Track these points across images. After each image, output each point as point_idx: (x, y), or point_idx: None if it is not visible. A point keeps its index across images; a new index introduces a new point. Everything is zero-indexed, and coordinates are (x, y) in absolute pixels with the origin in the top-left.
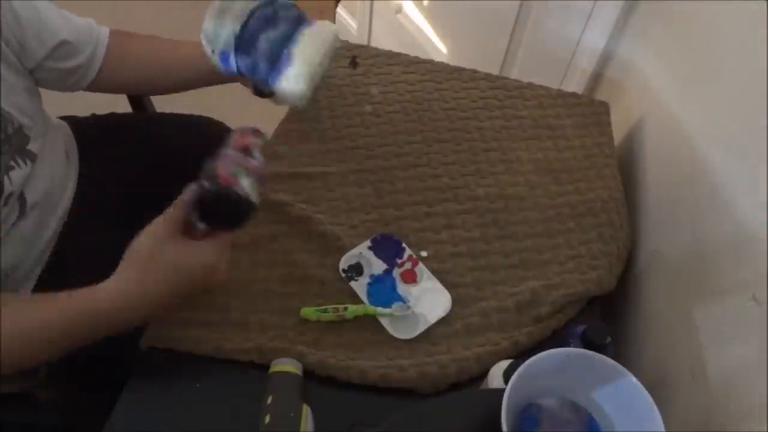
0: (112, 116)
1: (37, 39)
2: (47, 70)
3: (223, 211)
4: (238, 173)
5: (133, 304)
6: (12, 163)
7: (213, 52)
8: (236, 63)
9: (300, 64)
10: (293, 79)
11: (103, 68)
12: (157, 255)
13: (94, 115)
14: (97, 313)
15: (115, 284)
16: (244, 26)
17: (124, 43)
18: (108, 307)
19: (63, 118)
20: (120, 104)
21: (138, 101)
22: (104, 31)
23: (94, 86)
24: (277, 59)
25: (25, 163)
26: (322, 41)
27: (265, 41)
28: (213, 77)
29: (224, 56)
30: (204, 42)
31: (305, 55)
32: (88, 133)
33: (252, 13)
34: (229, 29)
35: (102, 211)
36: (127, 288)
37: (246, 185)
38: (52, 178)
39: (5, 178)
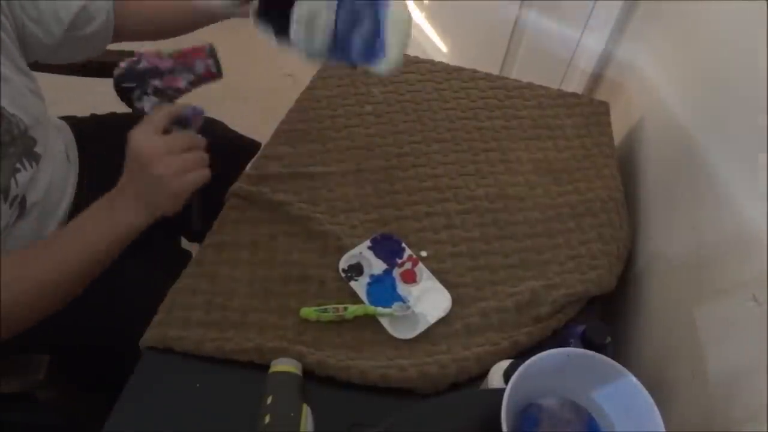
0: (112, 116)
1: (55, 16)
2: (70, 42)
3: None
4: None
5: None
6: (18, 165)
7: (305, 56)
8: (332, 60)
9: (395, 50)
10: (393, 62)
11: (116, 23)
12: (128, 151)
13: (93, 115)
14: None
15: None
16: (334, 31)
17: (127, 8)
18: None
19: (63, 118)
20: (120, 104)
21: None
22: None
23: (113, 39)
24: (372, 49)
25: (31, 166)
26: (404, 21)
27: (358, 39)
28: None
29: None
30: (294, 49)
31: (396, 39)
32: (88, 133)
33: (337, 15)
34: (320, 39)
35: None
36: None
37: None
38: (52, 178)
39: (12, 181)
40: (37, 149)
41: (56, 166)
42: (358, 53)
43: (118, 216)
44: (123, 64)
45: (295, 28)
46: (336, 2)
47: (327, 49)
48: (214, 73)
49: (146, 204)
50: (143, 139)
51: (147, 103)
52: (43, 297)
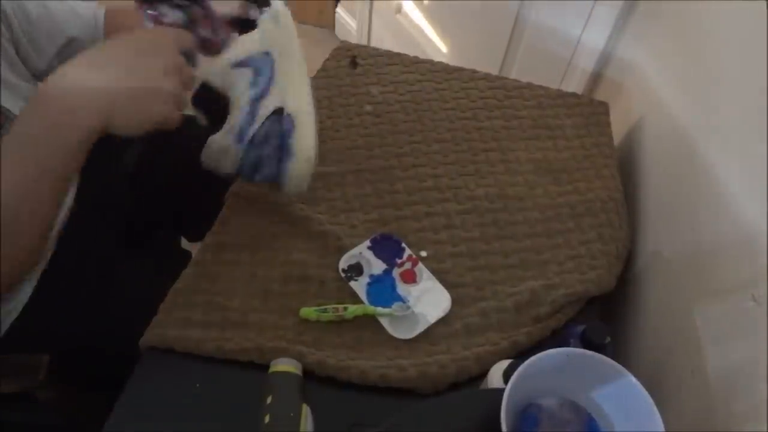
0: None
1: (48, 37)
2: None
3: None
4: None
5: (85, 67)
6: None
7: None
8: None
9: (294, 186)
10: (297, 185)
11: None
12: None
13: None
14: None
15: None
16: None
17: (117, 20)
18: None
19: None
20: None
21: None
22: (101, 16)
23: None
24: (276, 173)
25: None
26: (308, 164)
27: (260, 176)
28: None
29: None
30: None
31: (297, 181)
32: None
33: (244, 157)
34: (227, 169)
35: (103, 208)
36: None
37: None
38: None
39: None
40: None
41: None
42: (262, 179)
43: (67, 117)
44: None
45: (205, 151)
46: (244, 150)
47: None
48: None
49: (110, 104)
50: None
51: (170, 13)
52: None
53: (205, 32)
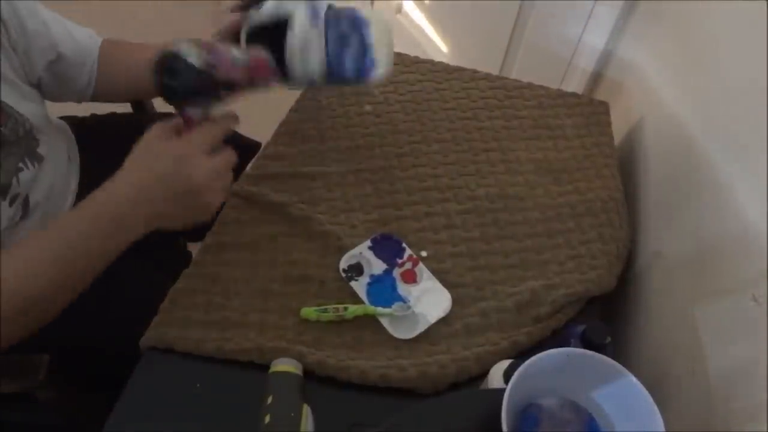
0: (112, 116)
1: (40, 51)
2: (46, 84)
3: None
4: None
5: (121, 192)
6: (21, 164)
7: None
8: (326, 83)
9: (384, 62)
10: (385, 73)
11: (98, 81)
12: (140, 148)
13: (94, 115)
14: (91, 214)
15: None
16: (326, 57)
17: (113, 53)
18: (98, 202)
19: (63, 118)
20: (121, 107)
21: (139, 103)
22: (97, 44)
23: (97, 97)
24: (363, 67)
25: (33, 166)
26: (386, 32)
27: (350, 60)
28: None
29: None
30: (286, 80)
31: (384, 53)
32: (88, 133)
33: (327, 40)
34: (315, 65)
35: None
36: (114, 181)
37: (189, 52)
38: (54, 179)
39: (14, 179)
40: (40, 150)
41: (58, 167)
42: (351, 72)
43: (118, 238)
44: (192, 61)
45: (290, 58)
46: (324, 29)
47: (321, 74)
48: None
49: (158, 222)
50: (164, 144)
51: (196, 111)
52: (36, 304)
53: (234, 74)
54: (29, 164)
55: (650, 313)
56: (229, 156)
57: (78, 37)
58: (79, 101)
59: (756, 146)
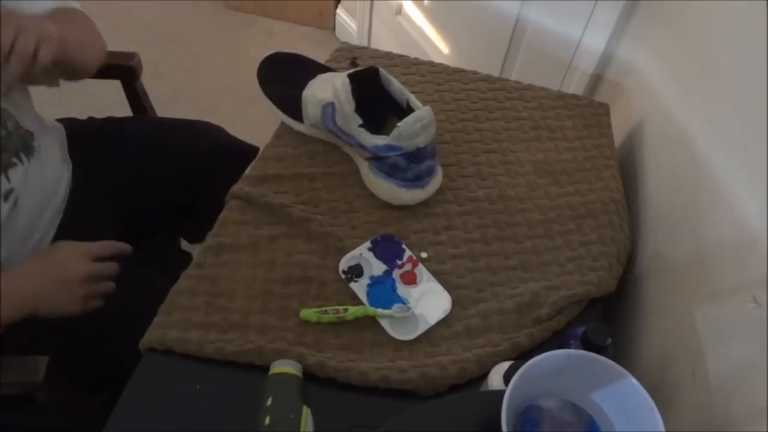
0: (109, 120)
1: None
2: None
3: None
4: None
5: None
6: (15, 159)
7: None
8: None
9: None
10: None
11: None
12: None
13: (91, 118)
14: None
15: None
16: None
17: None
18: None
19: (60, 120)
20: (121, 108)
21: (138, 105)
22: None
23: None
24: None
25: (28, 160)
26: None
27: None
28: None
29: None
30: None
31: None
32: (84, 135)
33: None
34: None
35: (95, 212)
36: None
37: None
38: (44, 176)
39: (2, 176)
40: (35, 143)
41: (49, 165)
42: None
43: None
44: None
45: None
46: None
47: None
48: None
49: (38, 297)
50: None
51: None
52: None
53: None
54: (23, 158)
55: (650, 315)
56: (104, 266)
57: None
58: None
59: (756, 147)
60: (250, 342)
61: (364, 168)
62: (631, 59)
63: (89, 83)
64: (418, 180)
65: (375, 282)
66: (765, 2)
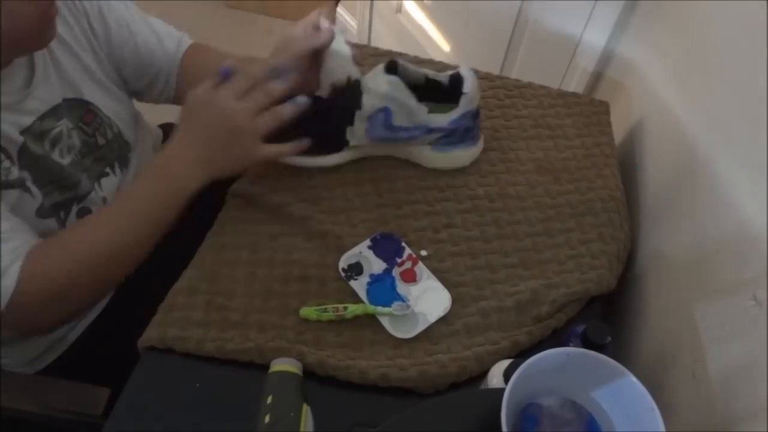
0: None
1: (135, 76)
2: (128, 81)
3: None
4: None
5: (174, 148)
6: (108, 169)
7: None
8: None
9: None
10: None
11: (179, 84)
12: (184, 108)
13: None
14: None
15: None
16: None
17: (197, 59)
18: (157, 163)
19: (161, 126)
20: None
21: None
22: (184, 48)
23: (178, 100)
24: None
25: (121, 171)
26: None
27: None
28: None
29: None
30: None
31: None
32: None
33: None
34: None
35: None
36: (170, 142)
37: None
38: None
39: (95, 185)
40: (131, 155)
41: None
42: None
43: (175, 185)
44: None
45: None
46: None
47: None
48: None
49: (208, 165)
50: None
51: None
52: (102, 265)
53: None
54: (117, 170)
55: (650, 313)
56: (260, 94)
57: (166, 43)
58: (157, 102)
59: (756, 146)
60: (250, 340)
61: (426, 152)
62: (632, 57)
63: None
64: (478, 130)
65: (375, 280)
66: (765, 2)
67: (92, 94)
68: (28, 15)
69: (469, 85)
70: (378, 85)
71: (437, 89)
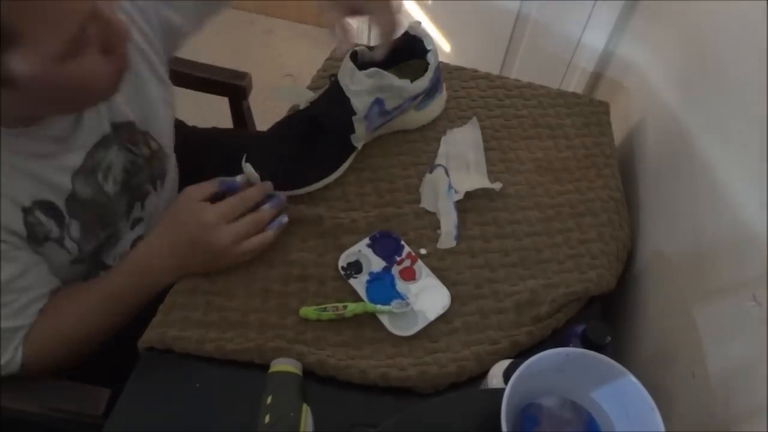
0: (213, 131)
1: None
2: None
3: None
4: None
5: (155, 251)
6: (149, 187)
7: None
8: None
9: None
10: None
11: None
12: (176, 210)
13: (194, 128)
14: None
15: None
16: None
17: None
18: (136, 261)
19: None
20: (222, 120)
21: (242, 122)
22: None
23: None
24: None
25: (162, 185)
26: None
27: None
28: None
29: None
30: None
31: None
32: (188, 145)
33: None
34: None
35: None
36: (150, 240)
37: None
38: (173, 187)
39: (138, 205)
40: (167, 165)
41: (173, 182)
42: None
43: (153, 279)
44: None
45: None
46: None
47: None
48: None
49: (185, 270)
50: (190, 210)
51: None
52: (67, 349)
53: None
54: (158, 185)
55: (650, 313)
56: (250, 222)
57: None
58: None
59: (756, 146)
60: (250, 340)
61: (411, 116)
62: (631, 57)
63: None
64: (442, 79)
65: (374, 278)
66: (765, 2)
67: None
68: (104, 73)
69: (429, 40)
70: (360, 83)
71: (395, 55)
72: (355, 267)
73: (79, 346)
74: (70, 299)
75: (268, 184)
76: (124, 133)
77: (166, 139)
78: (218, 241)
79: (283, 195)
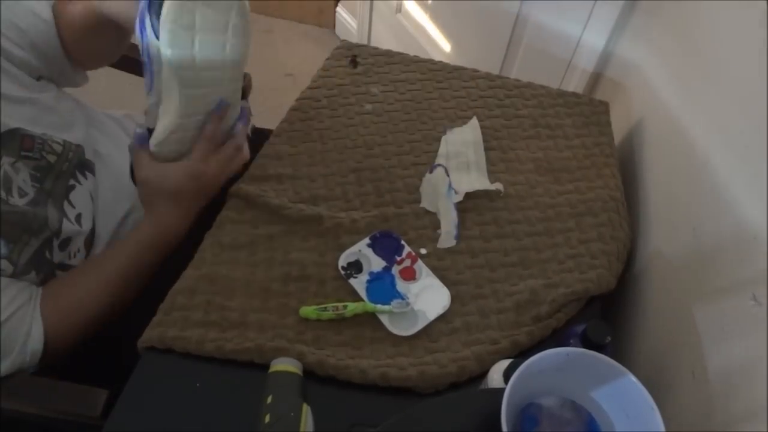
0: None
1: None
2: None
3: None
4: None
5: (171, 220)
6: (72, 182)
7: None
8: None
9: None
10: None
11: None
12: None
13: None
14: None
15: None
16: None
17: (63, 9)
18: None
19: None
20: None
21: None
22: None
23: (84, 63)
24: None
25: (93, 174)
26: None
27: None
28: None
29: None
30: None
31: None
32: None
33: None
34: None
35: None
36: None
37: None
38: (118, 171)
39: (64, 209)
40: (87, 156)
41: (117, 158)
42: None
43: (162, 222)
44: None
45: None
46: None
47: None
48: None
49: (189, 206)
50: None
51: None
52: (89, 314)
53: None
54: (80, 178)
55: (650, 313)
56: (231, 149)
57: (38, 11)
58: (77, 84)
59: (756, 146)
60: (250, 340)
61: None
62: (631, 57)
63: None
64: None
65: (374, 278)
66: (765, 2)
67: (17, 119)
68: None
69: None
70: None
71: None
72: (355, 267)
73: (102, 313)
74: (86, 274)
75: (237, 109)
76: (12, 141)
77: (71, 133)
78: (209, 170)
79: (246, 104)
